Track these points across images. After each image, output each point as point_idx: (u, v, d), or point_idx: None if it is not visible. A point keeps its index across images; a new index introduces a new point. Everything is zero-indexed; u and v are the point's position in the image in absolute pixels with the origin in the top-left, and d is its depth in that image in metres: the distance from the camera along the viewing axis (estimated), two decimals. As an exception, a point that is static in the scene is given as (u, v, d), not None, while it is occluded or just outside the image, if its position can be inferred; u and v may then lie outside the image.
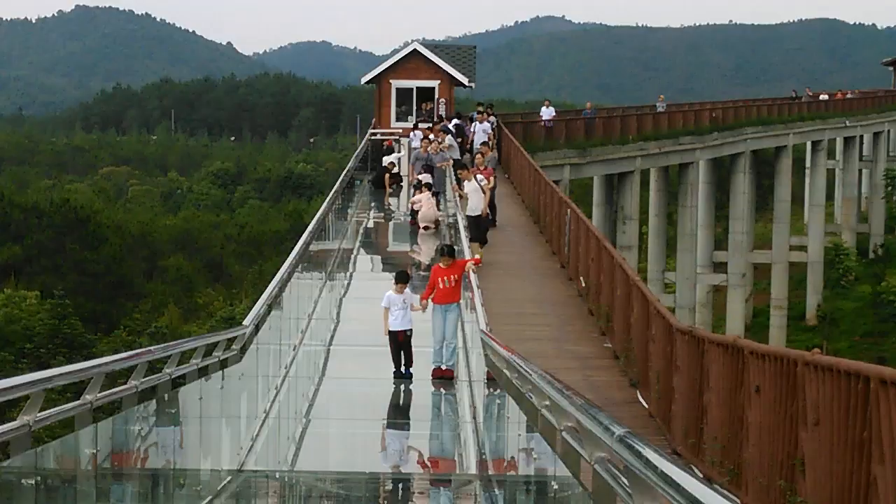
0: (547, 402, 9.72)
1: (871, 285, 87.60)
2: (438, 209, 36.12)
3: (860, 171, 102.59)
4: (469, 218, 31.00)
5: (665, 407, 18.32)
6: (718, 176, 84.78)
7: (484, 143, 43.20)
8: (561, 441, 8.62)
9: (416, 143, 43.75)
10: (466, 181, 31.80)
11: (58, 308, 74.30)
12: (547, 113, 61.86)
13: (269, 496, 16.04)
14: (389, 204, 43.59)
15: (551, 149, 59.14)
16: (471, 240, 29.29)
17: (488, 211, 32.22)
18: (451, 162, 41.07)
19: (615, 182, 68.12)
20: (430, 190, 36.51)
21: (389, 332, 20.93)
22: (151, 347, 13.03)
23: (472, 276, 22.39)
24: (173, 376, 13.50)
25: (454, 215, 34.53)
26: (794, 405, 12.41)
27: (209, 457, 15.69)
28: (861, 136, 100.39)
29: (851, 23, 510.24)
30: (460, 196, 32.93)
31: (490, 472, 15.20)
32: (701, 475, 12.54)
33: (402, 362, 21.10)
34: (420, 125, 46.83)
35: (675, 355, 17.72)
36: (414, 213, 36.43)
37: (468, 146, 46.53)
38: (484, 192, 31.40)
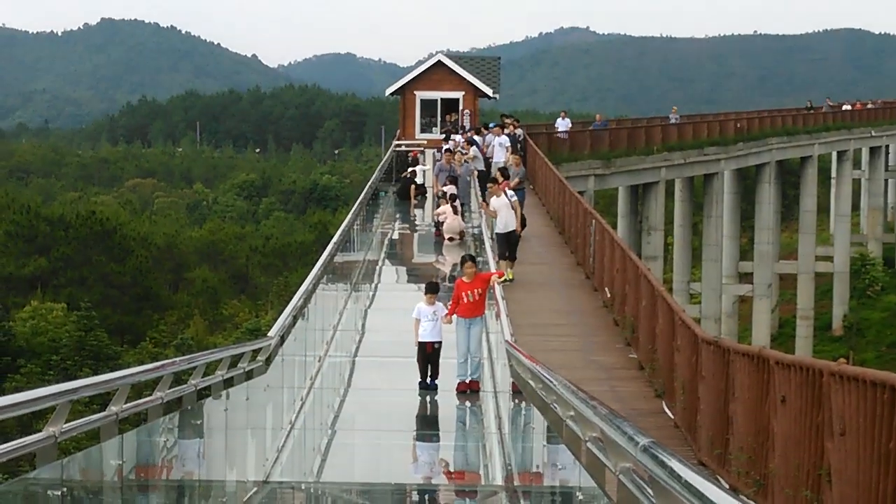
0: (572, 413, 9.72)
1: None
2: (463, 220, 36.09)
3: (886, 181, 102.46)
4: (498, 235, 30.55)
5: (690, 417, 18.29)
6: (743, 186, 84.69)
7: (514, 154, 42.82)
8: (586, 451, 8.62)
9: (439, 157, 43.73)
10: (495, 196, 31.48)
11: (84, 320, 74.40)
12: (563, 125, 61.74)
13: (294, 508, 16.04)
14: (414, 215, 43.61)
15: (575, 160, 59.04)
16: (500, 257, 29.29)
17: (519, 230, 31.95)
18: (476, 173, 41.05)
19: (640, 192, 68.05)
20: (454, 201, 36.47)
21: (419, 343, 20.96)
22: (177, 359, 13.05)
23: (497, 288, 22.42)
24: (199, 388, 13.52)
25: (479, 226, 34.50)
26: (821, 415, 12.38)
27: (235, 468, 15.70)
28: (887, 146, 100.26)
29: (877, 32, 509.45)
30: (485, 209, 32.81)
31: (516, 483, 15.19)
32: (727, 486, 12.51)
33: (429, 373, 21.12)
34: (457, 141, 46.67)
35: (700, 366, 17.70)
36: (438, 225, 36.41)
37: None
38: (514, 209, 31.13)
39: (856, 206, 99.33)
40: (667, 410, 19.90)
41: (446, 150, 42.95)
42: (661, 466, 5.23)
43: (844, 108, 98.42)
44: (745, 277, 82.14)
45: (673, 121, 73.37)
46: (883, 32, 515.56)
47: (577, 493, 9.32)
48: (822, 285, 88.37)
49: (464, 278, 21.26)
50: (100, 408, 9.74)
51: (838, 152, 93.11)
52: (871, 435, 11.02)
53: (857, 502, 11.33)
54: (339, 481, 17.61)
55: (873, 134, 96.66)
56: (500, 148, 43.45)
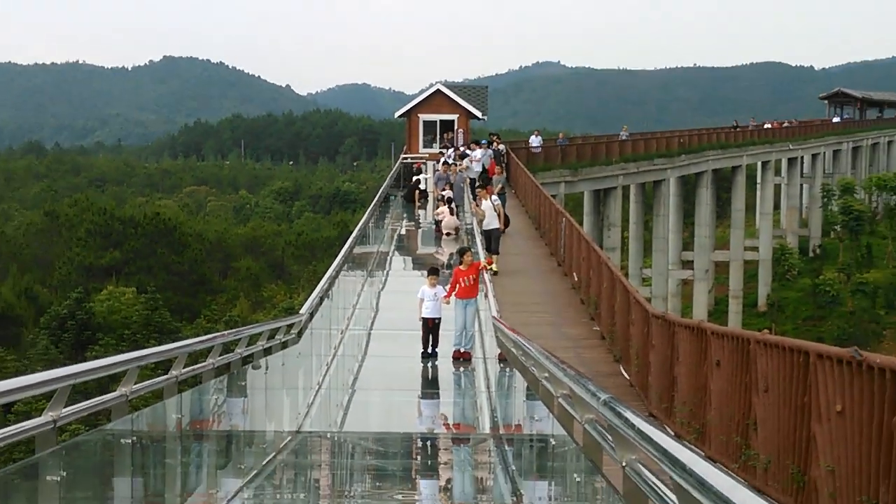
0: (546, 374, 9.73)
1: (811, 279, 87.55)
2: (457, 219, 36.10)
3: (801, 185, 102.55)
4: (484, 232, 30.70)
5: (642, 378, 18.31)
6: (685, 190, 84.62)
7: (493, 164, 43.16)
8: (557, 406, 8.62)
9: (438, 167, 43.84)
10: (484, 199, 31.70)
11: (150, 301, 74.53)
12: (536, 141, 61.83)
13: (321, 453, 16.01)
14: (418, 215, 43.56)
15: (549, 169, 59.12)
16: (487, 250, 29.35)
17: (503, 227, 32.03)
18: (469, 180, 41.11)
19: (601, 196, 68.09)
20: (450, 204, 36.57)
21: (423, 318, 21.00)
22: (225, 332, 13.06)
23: (486, 275, 22.48)
24: (243, 355, 13.51)
25: (471, 223, 34.51)
26: (748, 376, 12.39)
27: (273, 421, 15.71)
28: (802, 157, 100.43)
29: (794, 65, 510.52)
30: (475, 210, 32.92)
31: (501, 433, 15.18)
32: (672, 433, 12.54)
33: (431, 344, 21.17)
34: (444, 154, 46.86)
35: (650, 336, 17.70)
36: (438, 223, 36.47)
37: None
38: (496, 211, 31.28)
39: (776, 206, 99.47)
40: (623, 372, 19.90)
41: (444, 163, 43.06)
42: (618, 417, 5.24)
43: (766, 126, 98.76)
44: (687, 264, 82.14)
45: (623, 137, 73.38)
46: (798, 65, 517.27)
47: (551, 440, 9.32)
48: (750, 270, 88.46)
49: (461, 266, 21.33)
50: (163, 372, 9.73)
51: (762, 162, 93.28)
52: (788, 391, 11.04)
53: (777, 446, 11.34)
54: (357, 431, 17.60)
55: (791, 147, 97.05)
56: (476, 163, 43.59)
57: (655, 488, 4.66)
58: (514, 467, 12.69)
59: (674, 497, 4.16)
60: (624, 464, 5.24)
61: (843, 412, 9.58)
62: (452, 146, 52.29)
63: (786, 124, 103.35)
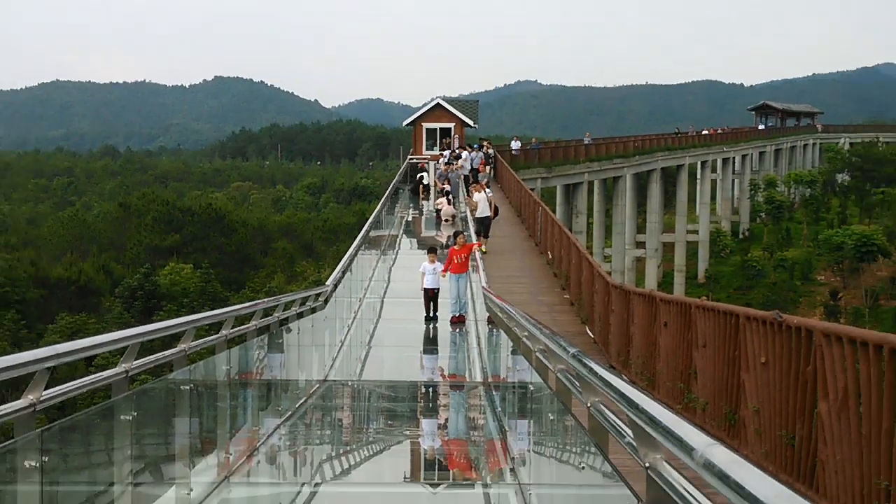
0: (526, 333, 9.72)
1: (741, 256, 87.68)
2: (454, 208, 36.13)
3: (733, 180, 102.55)
4: (478, 219, 30.77)
5: (604, 336, 18.33)
6: (639, 184, 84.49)
7: (484, 164, 43.41)
8: (535, 358, 8.62)
9: (440, 165, 43.93)
10: (476, 192, 31.75)
11: (204, 275, 74.82)
12: (515, 145, 61.87)
13: (344, 397, 16.07)
14: (422, 205, 43.56)
15: (528, 167, 59.12)
16: (478, 234, 29.42)
17: (494, 215, 32.08)
18: (463, 177, 41.14)
19: (571, 189, 68.00)
20: (448, 196, 36.65)
21: (424, 289, 21.06)
22: (265, 300, 13.07)
23: (478, 254, 22.58)
24: (280, 318, 13.52)
25: (465, 212, 34.52)
26: (690, 334, 12.41)
27: (304, 371, 15.75)
28: (733, 158, 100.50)
29: (727, 82, 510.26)
30: (469, 202, 33.04)
31: (489, 381, 15.21)
32: (628, 380, 12.57)
33: (432, 310, 21.22)
34: (445, 155, 46.93)
35: (610, 302, 17.71)
36: (438, 211, 36.53)
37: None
38: (489, 202, 31.35)
39: (713, 197, 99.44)
40: (588, 332, 19.90)
41: (444, 163, 43.14)
42: (584, 367, 5.23)
43: (704, 132, 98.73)
44: (640, 245, 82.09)
45: (587, 141, 73.35)
46: (730, 82, 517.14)
47: (530, 387, 9.33)
48: (691, 249, 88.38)
49: (455, 247, 21.42)
50: (215, 332, 9.75)
51: (701, 162, 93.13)
52: (722, 346, 11.06)
53: (713, 391, 11.37)
54: (372, 379, 17.67)
55: (724, 150, 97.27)
56: (477, 159, 43.83)
57: (615, 425, 4.66)
58: (499, 409, 12.71)
59: (629, 431, 4.16)
60: (589, 405, 5.24)
61: (767, 363, 9.60)
62: (450, 149, 52.29)
63: (720, 131, 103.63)
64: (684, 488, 3.23)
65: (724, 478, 2.32)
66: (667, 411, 3.29)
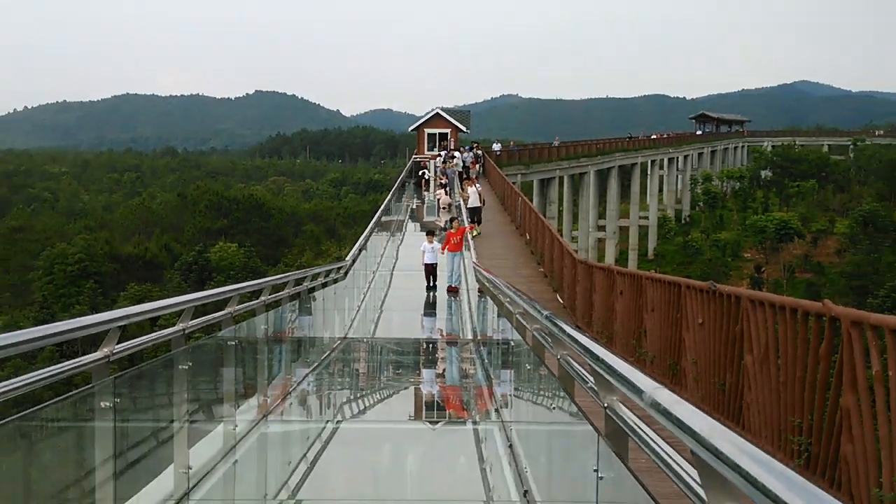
0: (508, 299, 9.72)
1: (683, 237, 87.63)
2: (450, 198, 36.08)
3: (677, 176, 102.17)
4: (470, 208, 30.75)
5: (571, 301, 18.35)
6: (600, 179, 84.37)
7: (474, 163, 43.33)
8: (516, 320, 8.62)
9: (438, 163, 43.92)
10: (469, 187, 31.77)
11: (247, 252, 74.85)
12: (496, 146, 61.74)
13: (360, 351, 16.08)
14: (424, 196, 43.51)
15: (510, 165, 59.00)
16: (471, 221, 29.46)
17: (482, 205, 32.08)
18: (457, 173, 41.07)
19: (545, 183, 67.90)
20: (446, 188, 36.58)
21: (424, 264, 21.09)
22: (296, 272, 13.08)
23: (470, 236, 22.64)
24: (308, 287, 13.53)
25: (459, 202, 34.48)
26: (641, 300, 12.43)
27: (328, 330, 15.76)
28: (677, 158, 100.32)
29: (672, 96, 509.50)
30: (462, 194, 33.06)
31: (479, 338, 15.24)
32: (591, 337, 12.60)
33: (432, 281, 21.26)
34: (442, 155, 46.91)
35: (577, 275, 17.72)
36: (438, 200, 36.48)
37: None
38: (479, 194, 31.35)
39: (660, 190, 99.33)
40: (559, 298, 19.92)
41: (442, 161, 43.15)
42: (555, 326, 5.24)
43: (653, 136, 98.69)
44: (601, 228, 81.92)
45: (556, 144, 73.29)
46: (675, 96, 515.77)
47: (511, 343, 9.35)
48: (642, 232, 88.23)
49: (451, 230, 21.49)
50: (255, 298, 9.75)
51: (651, 161, 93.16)
52: (667, 310, 11.08)
53: (659, 347, 11.39)
54: (383, 337, 17.68)
55: (670, 151, 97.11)
56: (468, 158, 43.78)
57: (579, 373, 4.67)
58: (486, 361, 12.74)
59: (591, 378, 4.16)
60: (559, 357, 5.25)
61: (703, 324, 9.63)
62: (446, 150, 52.19)
63: (666, 136, 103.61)
64: (636, 424, 3.24)
65: (667, 415, 2.32)
66: (622, 362, 3.30)
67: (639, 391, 2.72)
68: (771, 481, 1.59)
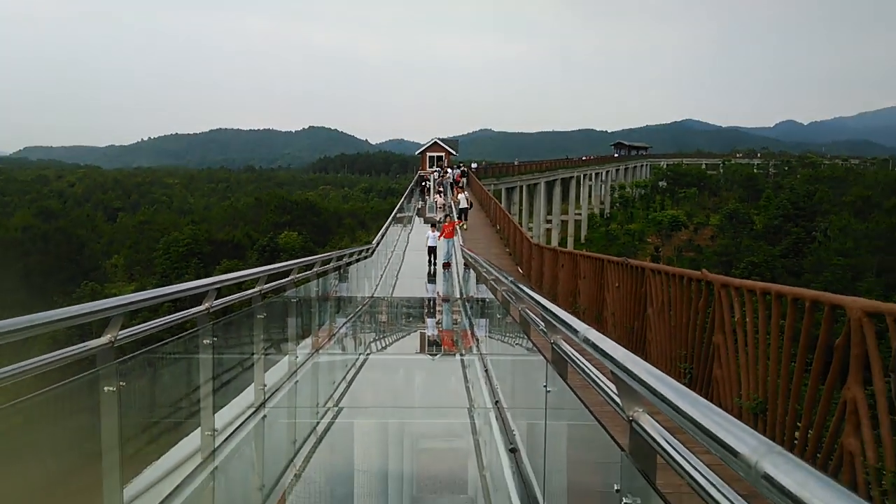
0: (485, 270, 9.70)
1: (605, 228, 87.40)
2: (444, 200, 35.89)
3: (601, 186, 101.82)
4: (460, 209, 30.42)
5: (528, 271, 18.31)
6: (548, 188, 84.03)
7: (461, 177, 43.07)
8: (490, 284, 8.61)
9: (436, 177, 43.62)
10: (460, 193, 31.56)
11: (304, 239, 74.35)
12: (473, 165, 61.31)
13: (383, 306, 16.06)
14: (426, 199, 43.27)
15: (486, 178, 58.85)
16: (460, 218, 29.30)
17: (469, 207, 31.86)
18: (449, 183, 40.84)
19: (510, 191, 67.70)
20: (441, 193, 36.36)
21: (428, 246, 20.98)
22: (336, 251, 13.04)
23: (459, 229, 22.51)
24: (347, 262, 13.47)
25: (451, 204, 34.31)
26: (576, 270, 12.40)
27: (360, 292, 15.71)
28: (603, 173, 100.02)
29: (598, 129, 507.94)
30: (454, 199, 32.84)
31: (465, 297, 15.21)
32: (542, 295, 12.60)
33: (433, 259, 21.17)
34: (438, 171, 46.59)
35: (532, 254, 17.70)
36: (435, 202, 36.24)
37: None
38: (468, 200, 31.14)
39: (590, 195, 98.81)
40: (519, 270, 19.86)
41: (439, 175, 42.88)
42: (517, 287, 5.23)
43: (584, 158, 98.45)
44: (549, 222, 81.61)
45: (516, 163, 73.06)
46: (601, 129, 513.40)
47: (487, 300, 9.34)
48: (577, 224, 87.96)
49: (446, 223, 21.42)
50: (309, 269, 9.71)
51: (583, 175, 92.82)
52: (594, 277, 11.05)
53: (588, 303, 11.35)
54: (399, 296, 17.63)
55: (596, 168, 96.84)
56: (451, 175, 43.47)
57: (533, 320, 4.67)
58: (470, 313, 12.74)
59: (541, 323, 4.17)
60: (520, 309, 5.25)
61: (619, 287, 9.63)
62: (441, 168, 51.95)
63: (593, 157, 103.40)
64: (573, 354, 3.25)
65: (595, 347, 2.33)
66: (563, 311, 3.30)
67: (575, 331, 2.72)
68: (664, 389, 1.60)
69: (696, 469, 1.57)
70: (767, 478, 1.02)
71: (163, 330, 4.25)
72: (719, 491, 1.43)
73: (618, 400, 2.18)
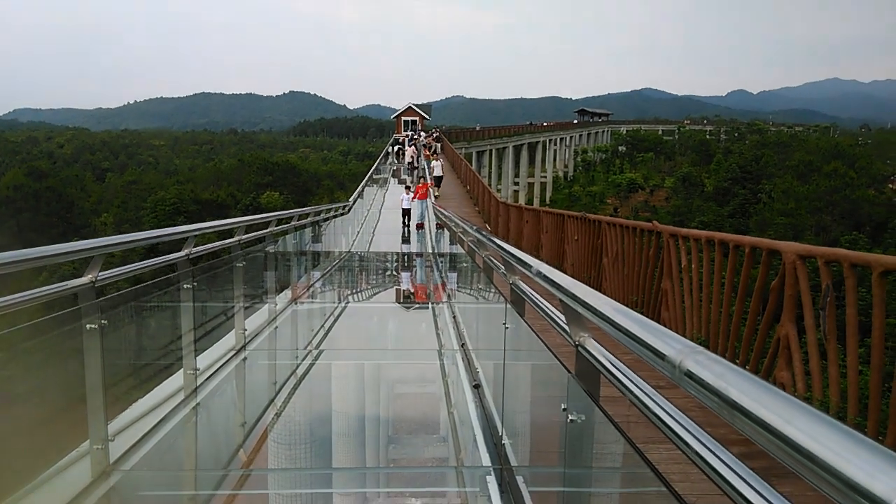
0: (454, 224, 9.67)
1: (568, 189, 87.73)
2: (414, 154, 35.24)
3: (566, 150, 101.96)
4: (435, 177, 29.66)
5: (496, 228, 18.33)
6: (515, 152, 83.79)
7: (432, 140, 42.62)
8: (458, 238, 8.60)
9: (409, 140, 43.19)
10: (435, 161, 30.85)
11: (285, 199, 73.27)
12: (435, 134, 60.94)
13: (358, 261, 16.00)
14: (401, 161, 42.92)
15: (458, 141, 58.38)
16: (435, 185, 28.97)
17: (442, 173, 31.31)
18: (422, 146, 40.41)
19: (480, 154, 67.36)
20: (412, 147, 35.78)
21: (402, 208, 20.82)
22: (313, 207, 12.89)
23: (431, 191, 22.30)
24: (324, 217, 13.33)
25: (424, 166, 33.93)
26: (540, 225, 12.44)
27: (337, 247, 15.60)
28: (566, 138, 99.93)
29: (563, 97, 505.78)
30: (427, 165, 32.23)
31: (436, 252, 15.20)
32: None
33: (406, 219, 21.04)
34: (411, 134, 46.13)
35: (499, 211, 17.71)
36: (409, 162, 35.71)
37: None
38: (442, 167, 30.51)
39: (554, 159, 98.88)
40: (487, 227, 19.94)
41: (411, 138, 42.47)
42: (482, 235, 5.22)
43: (546, 124, 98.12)
44: (516, 184, 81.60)
45: (477, 128, 72.66)
46: (565, 97, 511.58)
47: (456, 253, 9.34)
48: (542, 186, 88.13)
49: (419, 185, 21.19)
50: (287, 223, 9.59)
51: (549, 139, 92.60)
52: (555, 231, 11.11)
53: (551, 255, 11.43)
54: (374, 251, 17.57)
55: (560, 133, 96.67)
56: (425, 138, 42.99)
57: (495, 265, 4.68)
58: (441, 266, 12.76)
59: (502, 266, 4.18)
60: (484, 256, 5.26)
61: (578, 239, 9.70)
62: (415, 131, 51.42)
63: (557, 123, 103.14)
64: (530, 293, 3.27)
65: (545, 278, 2.34)
66: (519, 250, 3.30)
67: (529, 266, 2.74)
68: (603, 307, 1.62)
69: (633, 382, 1.60)
70: (689, 374, 1.03)
71: (144, 274, 4.17)
72: (651, 399, 1.45)
73: (566, 328, 2.20)
